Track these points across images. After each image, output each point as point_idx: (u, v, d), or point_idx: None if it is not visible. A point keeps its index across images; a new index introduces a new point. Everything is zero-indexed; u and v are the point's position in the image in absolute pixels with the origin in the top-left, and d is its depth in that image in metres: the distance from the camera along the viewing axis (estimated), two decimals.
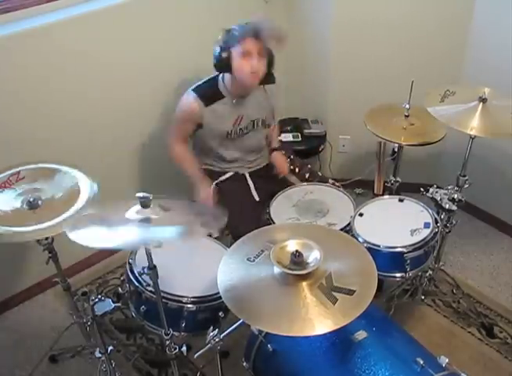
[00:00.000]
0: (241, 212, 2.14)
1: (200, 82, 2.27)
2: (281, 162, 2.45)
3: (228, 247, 1.65)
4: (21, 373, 2.30)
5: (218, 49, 2.11)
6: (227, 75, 2.20)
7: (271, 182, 2.41)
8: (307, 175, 2.44)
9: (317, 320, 1.33)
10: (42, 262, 1.94)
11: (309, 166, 2.51)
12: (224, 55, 2.10)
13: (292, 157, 2.54)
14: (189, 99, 2.22)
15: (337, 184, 2.39)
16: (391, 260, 2.00)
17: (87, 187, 1.87)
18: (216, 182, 2.35)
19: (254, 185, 2.38)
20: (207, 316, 1.82)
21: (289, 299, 1.39)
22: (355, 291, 1.40)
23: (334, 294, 1.39)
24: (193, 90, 2.23)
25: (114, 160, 2.68)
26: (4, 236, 1.69)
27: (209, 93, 2.23)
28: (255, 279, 1.46)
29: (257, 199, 2.34)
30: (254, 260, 1.51)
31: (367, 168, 2.74)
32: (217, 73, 2.23)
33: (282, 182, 2.42)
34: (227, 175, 2.39)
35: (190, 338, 1.86)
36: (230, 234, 2.22)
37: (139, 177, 2.81)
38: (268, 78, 2.25)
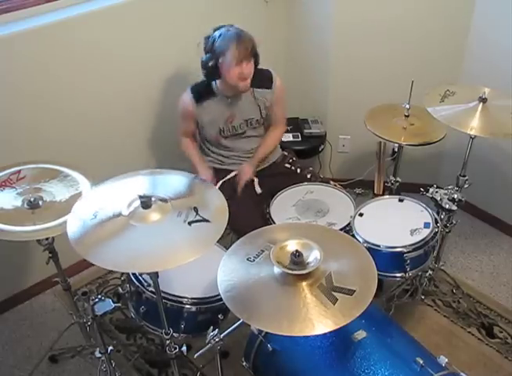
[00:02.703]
0: (244, 212, 2.15)
1: (198, 80, 2.32)
2: (245, 171, 2.37)
3: (229, 246, 1.65)
4: (21, 373, 2.30)
5: (204, 58, 2.18)
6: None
7: (275, 180, 2.41)
8: (308, 176, 2.44)
9: (317, 320, 1.33)
10: (42, 262, 1.94)
11: (311, 168, 2.52)
12: (211, 63, 2.15)
13: (294, 158, 2.54)
14: (184, 97, 2.32)
15: (338, 186, 2.39)
16: (391, 260, 2.01)
17: (88, 190, 1.86)
18: (222, 181, 2.36)
19: (258, 181, 2.39)
20: (207, 317, 1.82)
21: (289, 299, 1.39)
22: (355, 291, 1.40)
23: (334, 294, 1.39)
24: (190, 88, 2.32)
25: (116, 159, 2.68)
26: (3, 235, 1.70)
27: (202, 91, 2.31)
28: (255, 279, 1.46)
29: (259, 191, 2.37)
30: (254, 260, 1.51)
31: (367, 168, 2.74)
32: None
33: (286, 179, 2.41)
34: (231, 174, 2.40)
35: (190, 339, 1.87)
36: (234, 233, 2.22)
37: None
38: (262, 83, 2.31)
